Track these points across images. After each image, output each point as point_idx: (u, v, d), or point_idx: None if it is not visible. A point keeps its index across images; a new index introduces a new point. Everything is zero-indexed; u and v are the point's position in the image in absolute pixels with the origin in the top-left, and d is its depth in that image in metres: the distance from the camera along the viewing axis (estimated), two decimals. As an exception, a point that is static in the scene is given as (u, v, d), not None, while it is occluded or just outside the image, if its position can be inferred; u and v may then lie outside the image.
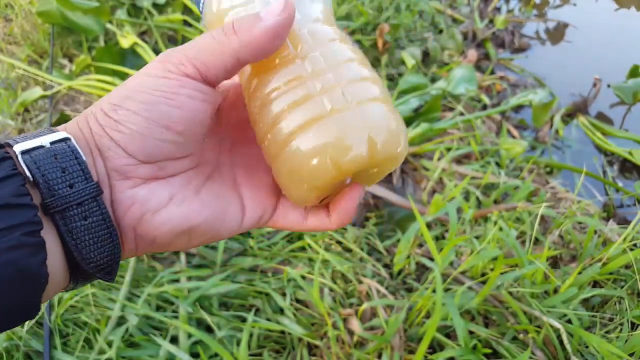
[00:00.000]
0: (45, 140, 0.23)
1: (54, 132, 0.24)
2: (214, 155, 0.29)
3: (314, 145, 0.24)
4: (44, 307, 0.75)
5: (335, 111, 0.24)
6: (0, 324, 0.21)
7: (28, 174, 0.22)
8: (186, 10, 1.56)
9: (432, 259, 0.90)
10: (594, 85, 1.50)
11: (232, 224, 0.27)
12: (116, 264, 0.24)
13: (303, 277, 0.84)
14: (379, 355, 0.73)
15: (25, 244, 0.20)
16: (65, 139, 0.23)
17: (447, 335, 0.78)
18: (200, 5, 0.29)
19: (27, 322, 0.74)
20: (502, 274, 0.76)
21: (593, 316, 0.77)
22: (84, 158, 0.23)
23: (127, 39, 1.40)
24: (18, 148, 0.22)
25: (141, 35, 1.58)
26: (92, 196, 0.23)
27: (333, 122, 0.24)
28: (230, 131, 0.30)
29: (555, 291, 0.78)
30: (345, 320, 0.79)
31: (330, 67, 0.25)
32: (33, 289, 0.21)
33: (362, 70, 0.26)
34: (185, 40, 1.54)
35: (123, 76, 1.33)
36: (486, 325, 0.79)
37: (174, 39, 1.59)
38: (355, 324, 0.77)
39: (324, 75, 0.25)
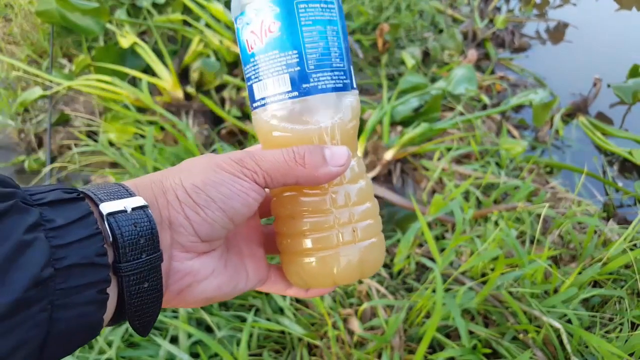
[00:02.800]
0: (127, 204, 0.25)
1: (132, 194, 0.26)
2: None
3: (323, 265, 0.32)
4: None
5: (344, 244, 0.32)
6: None
7: (110, 235, 0.24)
8: (186, 10, 1.56)
9: (432, 259, 0.90)
10: (594, 85, 1.50)
11: (238, 292, 0.32)
12: (154, 322, 0.27)
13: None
14: (379, 355, 0.73)
15: (97, 301, 0.23)
16: (144, 207, 0.26)
17: (447, 335, 0.78)
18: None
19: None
20: (502, 274, 0.76)
21: (593, 316, 0.77)
22: (158, 229, 0.26)
23: (126, 38, 1.40)
24: (104, 209, 0.25)
25: (141, 35, 1.58)
26: (155, 265, 0.26)
27: (340, 253, 0.32)
28: None
29: (555, 291, 0.78)
30: (345, 320, 0.79)
31: (348, 205, 0.32)
32: (86, 339, 0.23)
33: (369, 210, 0.33)
34: (184, 40, 1.54)
35: (123, 76, 1.33)
36: (486, 325, 0.79)
37: (174, 39, 1.59)
38: (355, 324, 0.77)
39: (342, 212, 0.32)
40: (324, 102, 0.31)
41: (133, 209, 0.25)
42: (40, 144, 1.32)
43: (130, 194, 0.26)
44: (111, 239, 0.24)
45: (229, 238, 0.33)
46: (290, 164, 0.29)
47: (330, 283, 0.33)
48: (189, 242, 0.27)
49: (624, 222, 1.05)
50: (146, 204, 0.26)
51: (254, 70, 0.31)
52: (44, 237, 0.21)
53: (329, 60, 0.31)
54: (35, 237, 0.21)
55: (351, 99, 0.32)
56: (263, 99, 0.31)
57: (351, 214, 0.32)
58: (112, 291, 0.24)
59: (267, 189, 0.32)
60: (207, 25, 1.47)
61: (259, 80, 0.31)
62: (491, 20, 1.93)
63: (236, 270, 0.32)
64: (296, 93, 0.30)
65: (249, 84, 0.32)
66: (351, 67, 0.33)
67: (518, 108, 1.49)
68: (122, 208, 0.25)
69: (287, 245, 0.33)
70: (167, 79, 1.34)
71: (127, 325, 0.75)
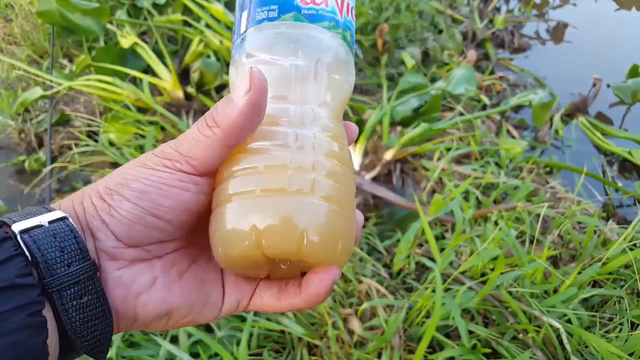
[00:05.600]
0: (43, 219, 0.23)
1: (50, 210, 0.24)
2: (207, 239, 0.29)
3: (245, 216, 0.23)
4: None
5: (286, 192, 0.23)
6: None
7: (27, 253, 0.22)
8: (186, 10, 1.56)
9: (432, 259, 0.91)
10: (594, 85, 1.51)
11: (210, 311, 0.28)
12: (107, 341, 0.24)
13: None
14: (379, 355, 0.73)
15: (29, 325, 0.21)
16: (63, 218, 0.24)
17: (447, 335, 0.78)
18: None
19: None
20: (501, 273, 0.76)
21: (593, 316, 0.77)
22: (82, 237, 0.23)
23: (127, 39, 1.40)
24: (16, 227, 0.23)
25: (141, 35, 1.59)
26: (89, 275, 0.23)
27: (277, 203, 0.23)
28: None
29: (555, 291, 0.78)
30: (345, 320, 0.79)
31: (302, 149, 0.24)
32: None
33: (339, 171, 0.25)
34: (185, 41, 1.55)
35: (123, 76, 1.33)
36: (486, 325, 0.80)
37: (174, 39, 1.59)
38: (355, 324, 0.77)
39: (302, 154, 0.24)
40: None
41: (50, 222, 0.23)
42: (40, 144, 1.32)
43: (48, 210, 0.24)
44: (31, 258, 0.22)
45: (208, 249, 0.28)
46: (206, 132, 0.24)
47: (254, 249, 0.23)
48: (112, 249, 0.24)
49: (624, 222, 1.06)
50: (65, 215, 0.24)
51: None
52: None
53: None
54: None
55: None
56: None
57: (315, 162, 0.24)
58: (50, 314, 0.22)
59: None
60: (208, 26, 1.48)
61: None
62: (491, 21, 1.93)
63: (201, 282, 0.27)
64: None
65: None
66: None
67: (517, 108, 1.49)
68: (37, 223, 0.23)
69: (215, 195, 0.25)
70: (167, 79, 1.34)
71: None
